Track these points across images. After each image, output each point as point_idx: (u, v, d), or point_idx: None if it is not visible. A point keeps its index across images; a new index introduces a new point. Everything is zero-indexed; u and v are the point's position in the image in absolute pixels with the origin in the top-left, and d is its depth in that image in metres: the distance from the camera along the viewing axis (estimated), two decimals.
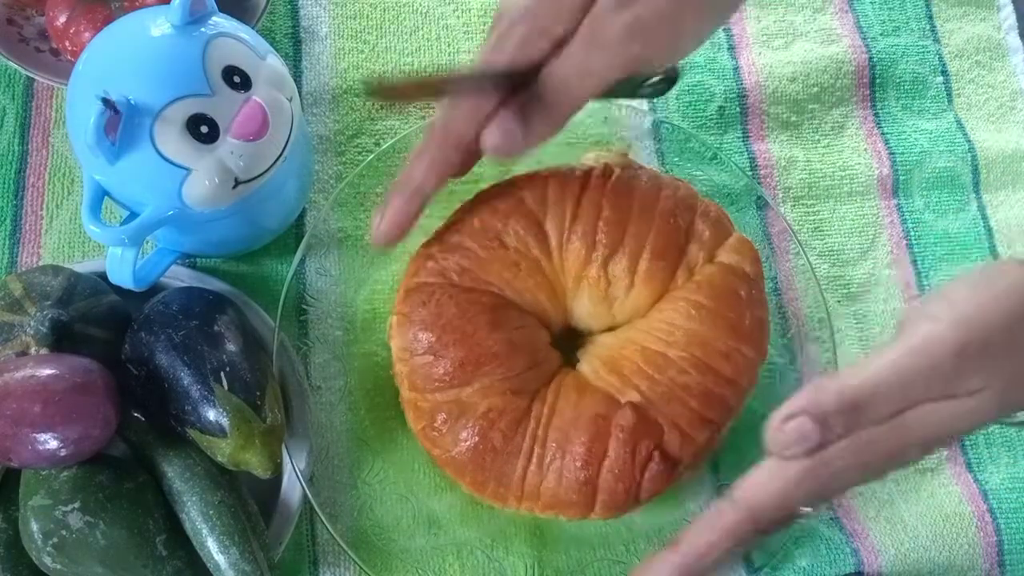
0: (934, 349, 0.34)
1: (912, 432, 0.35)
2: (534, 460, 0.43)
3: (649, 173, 0.47)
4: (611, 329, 0.47)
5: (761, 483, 0.36)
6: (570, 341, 0.48)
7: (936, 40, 0.61)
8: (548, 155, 0.49)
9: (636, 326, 0.46)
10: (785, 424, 0.34)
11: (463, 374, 0.42)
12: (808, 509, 0.36)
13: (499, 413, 0.42)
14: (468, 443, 0.42)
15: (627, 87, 0.41)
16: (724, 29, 0.60)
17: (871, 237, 0.56)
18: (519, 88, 0.38)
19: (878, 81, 0.59)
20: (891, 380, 0.34)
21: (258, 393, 0.43)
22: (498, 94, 0.38)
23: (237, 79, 0.41)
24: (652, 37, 0.38)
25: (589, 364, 0.45)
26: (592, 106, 0.41)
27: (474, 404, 0.43)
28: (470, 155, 0.41)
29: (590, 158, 0.48)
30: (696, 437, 0.43)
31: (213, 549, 0.41)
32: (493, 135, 0.39)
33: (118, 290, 0.44)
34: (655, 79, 0.42)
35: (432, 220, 0.52)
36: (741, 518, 0.36)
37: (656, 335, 0.44)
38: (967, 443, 0.53)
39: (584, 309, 0.46)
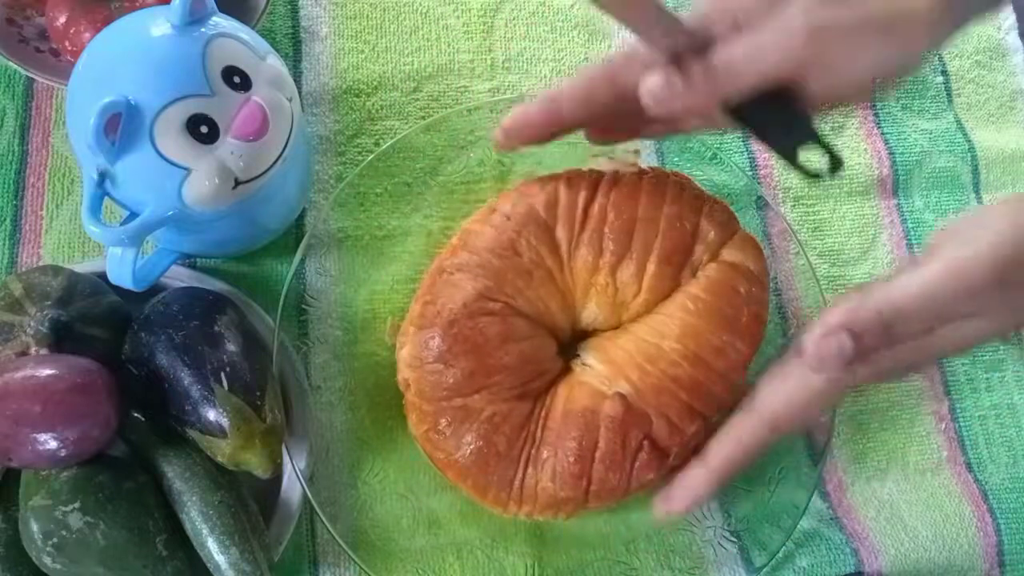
0: (971, 271, 0.34)
1: (934, 347, 0.36)
2: (531, 462, 0.43)
3: (656, 176, 0.47)
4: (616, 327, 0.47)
5: (784, 395, 0.37)
6: (574, 339, 0.48)
7: None
8: (549, 156, 0.48)
9: (638, 320, 0.46)
10: (824, 339, 0.35)
11: (472, 384, 0.42)
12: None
13: (503, 418, 0.43)
14: (472, 447, 0.42)
15: (789, 148, 0.39)
16: None
17: (871, 237, 0.56)
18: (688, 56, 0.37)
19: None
20: (928, 301, 0.35)
21: (258, 393, 0.43)
22: (669, 55, 0.37)
23: (237, 79, 0.41)
24: (829, 49, 0.36)
25: (587, 357, 0.45)
26: None
27: (479, 409, 0.43)
28: (615, 101, 0.40)
29: (600, 162, 0.48)
30: (684, 428, 0.43)
31: (213, 549, 0.41)
32: (654, 81, 0.37)
33: (118, 290, 0.44)
34: (819, 154, 0.40)
35: (432, 220, 0.52)
36: (764, 430, 0.37)
37: (652, 326, 0.44)
38: (967, 443, 0.53)
39: (592, 314, 0.46)
